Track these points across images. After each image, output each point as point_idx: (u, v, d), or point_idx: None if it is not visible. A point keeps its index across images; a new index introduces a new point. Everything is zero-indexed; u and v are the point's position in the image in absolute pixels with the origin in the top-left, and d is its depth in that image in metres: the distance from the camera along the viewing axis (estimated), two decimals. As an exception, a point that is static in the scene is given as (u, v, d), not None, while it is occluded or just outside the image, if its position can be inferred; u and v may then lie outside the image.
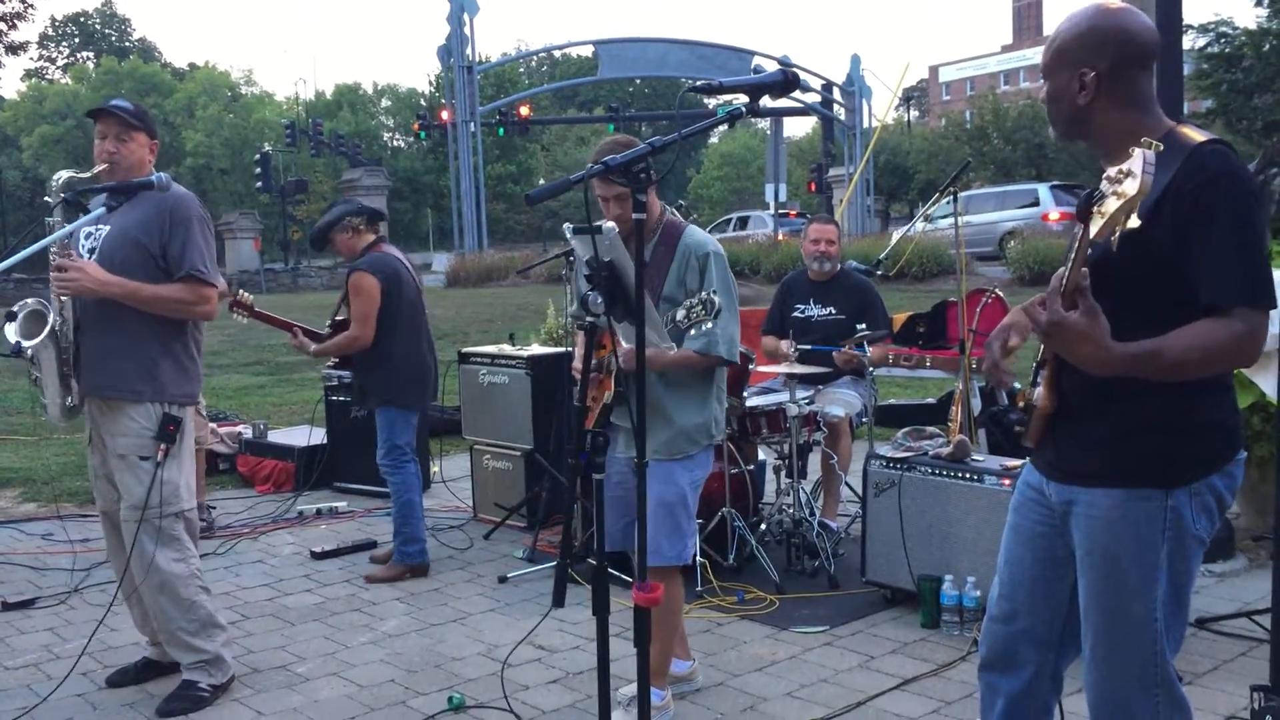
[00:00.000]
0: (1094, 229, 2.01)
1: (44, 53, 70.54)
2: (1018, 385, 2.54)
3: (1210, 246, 2.14)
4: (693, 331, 3.34)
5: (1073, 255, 2.10)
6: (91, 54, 69.05)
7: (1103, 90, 2.30)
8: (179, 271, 3.91)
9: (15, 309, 3.88)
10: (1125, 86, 2.31)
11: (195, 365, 4.09)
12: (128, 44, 71.34)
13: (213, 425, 7.32)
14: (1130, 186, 1.94)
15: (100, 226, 3.91)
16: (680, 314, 3.30)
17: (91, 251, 3.86)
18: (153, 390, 3.90)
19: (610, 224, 2.43)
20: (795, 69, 2.57)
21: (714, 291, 3.25)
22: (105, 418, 3.93)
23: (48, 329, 3.80)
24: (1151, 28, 2.35)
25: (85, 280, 3.74)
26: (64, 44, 72.17)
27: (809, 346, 5.54)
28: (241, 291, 5.30)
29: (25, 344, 3.80)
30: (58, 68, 70.51)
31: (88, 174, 3.92)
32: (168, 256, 3.90)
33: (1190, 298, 2.17)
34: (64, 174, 3.96)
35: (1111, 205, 1.97)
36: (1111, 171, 2.00)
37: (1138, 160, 1.95)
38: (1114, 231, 1.99)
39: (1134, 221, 1.97)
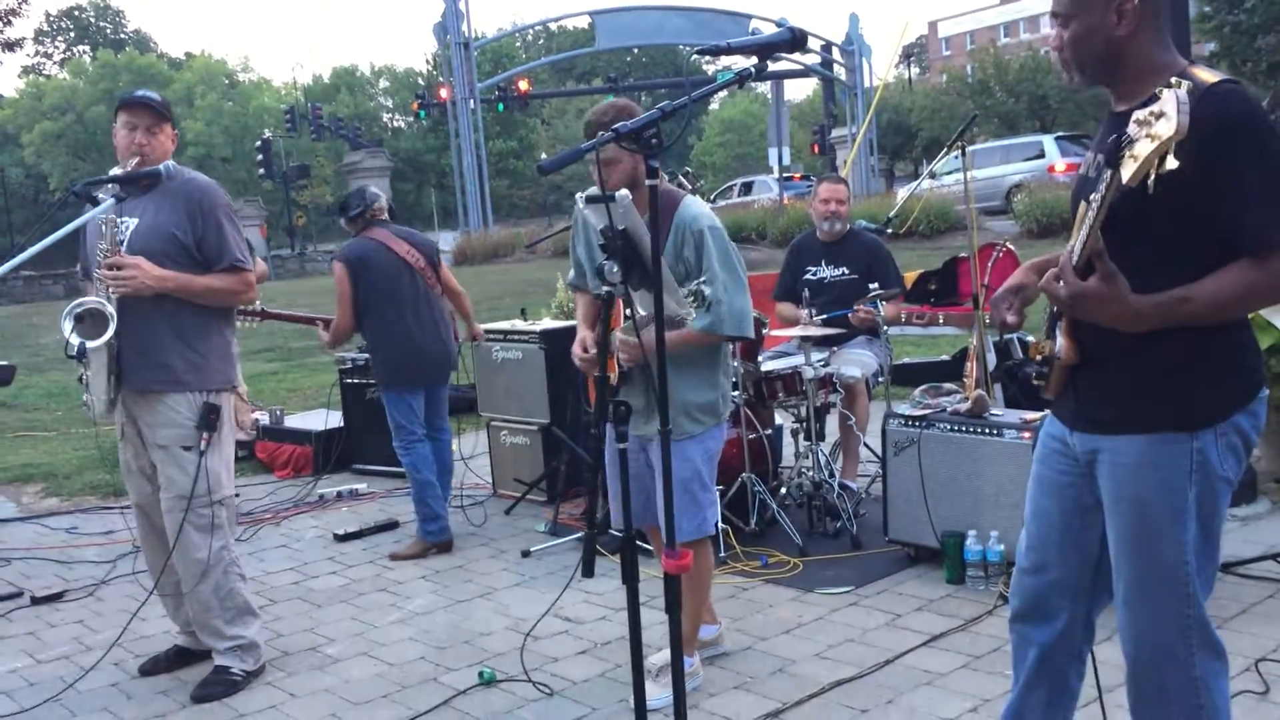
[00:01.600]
0: (1126, 173, 1.96)
1: (40, 48, 70.41)
2: (1031, 337, 2.52)
3: (1245, 190, 2.11)
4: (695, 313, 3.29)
5: (1093, 211, 2.07)
6: (87, 48, 68.86)
7: (1142, 21, 2.25)
8: (219, 262, 3.93)
9: (77, 311, 3.80)
10: (1156, 16, 2.27)
11: (231, 347, 4.13)
12: (123, 36, 71.16)
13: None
14: (1165, 128, 1.89)
15: (125, 220, 3.88)
16: (670, 306, 3.23)
17: (121, 244, 3.83)
18: (197, 380, 3.92)
19: (625, 192, 2.42)
20: (797, 28, 2.54)
21: (703, 283, 3.17)
22: (144, 410, 3.92)
23: (111, 330, 3.75)
24: None
25: (143, 278, 3.74)
26: (59, 39, 72.00)
27: (823, 316, 5.51)
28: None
29: (90, 345, 3.75)
30: (54, 63, 70.41)
31: (129, 168, 3.88)
32: (203, 248, 3.91)
33: (1214, 240, 2.15)
34: (115, 170, 3.94)
35: (1144, 148, 1.92)
36: (1141, 114, 1.95)
37: (1170, 101, 1.90)
38: (1148, 174, 1.94)
39: (1171, 163, 1.91)
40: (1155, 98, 1.95)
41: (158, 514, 4.04)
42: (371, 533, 5.87)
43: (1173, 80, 1.98)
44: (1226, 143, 2.10)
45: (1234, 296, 2.15)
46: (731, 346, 5.06)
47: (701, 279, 3.33)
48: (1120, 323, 2.17)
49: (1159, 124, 1.91)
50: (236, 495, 6.47)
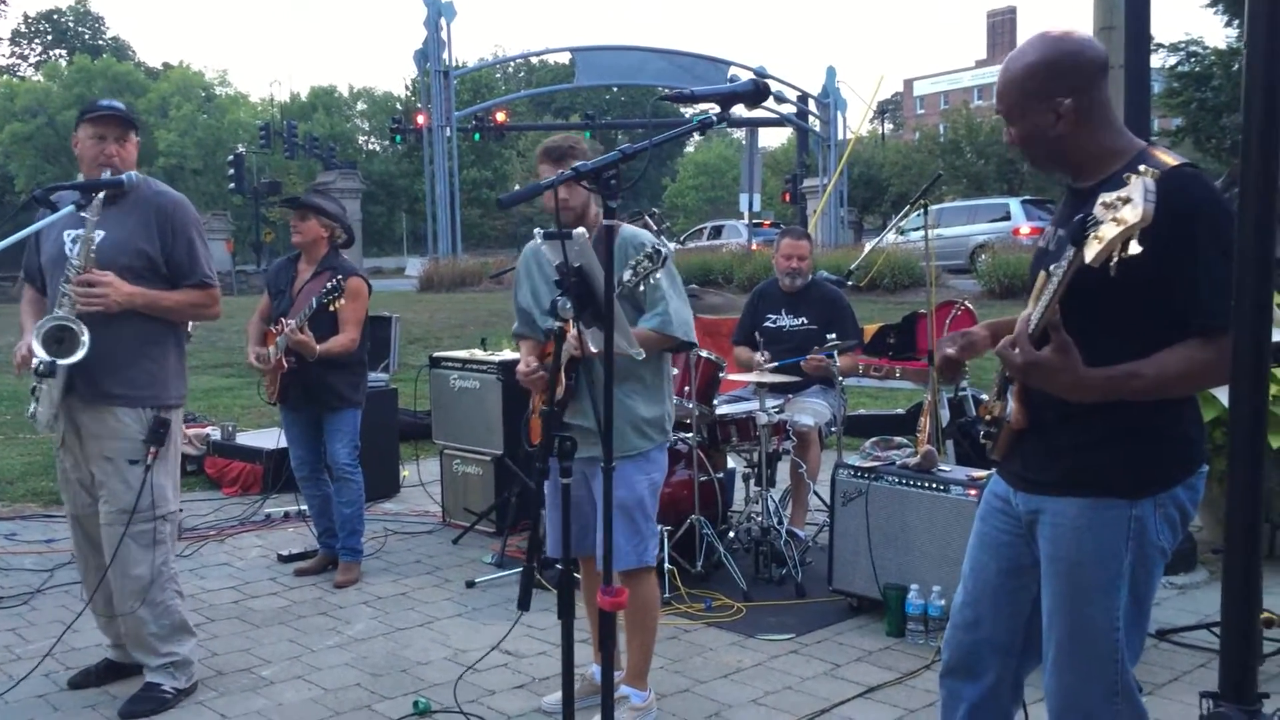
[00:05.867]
0: (1089, 254, 2.00)
1: (16, 50, 69.72)
2: (984, 396, 2.57)
3: (1197, 272, 2.18)
4: (647, 311, 3.43)
5: (1053, 284, 2.12)
6: (64, 52, 68.36)
7: (1080, 117, 2.33)
8: (188, 278, 3.92)
9: (47, 328, 3.73)
10: (1097, 107, 2.35)
11: (184, 364, 4.09)
12: (101, 42, 70.61)
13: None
14: (1130, 214, 1.94)
15: (95, 231, 3.80)
16: (627, 275, 3.19)
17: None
18: (152, 395, 3.88)
19: (581, 230, 2.45)
20: (770, 79, 2.59)
21: (656, 245, 3.22)
22: (90, 420, 3.86)
23: (84, 350, 3.69)
24: (1096, 42, 2.39)
25: (114, 296, 3.71)
26: (36, 41, 71.35)
27: (778, 363, 5.56)
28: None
29: (61, 363, 3.69)
30: (30, 65, 69.80)
31: (103, 178, 3.80)
32: (171, 264, 3.90)
33: (1165, 318, 2.22)
34: (80, 179, 3.89)
35: (1110, 231, 1.97)
36: (1108, 197, 2.00)
37: (1137, 188, 1.96)
38: (1110, 257, 1.99)
39: (1135, 248, 1.96)
40: (1123, 181, 2.01)
41: (94, 526, 3.98)
42: (316, 555, 5.81)
43: (1142, 167, 2.04)
44: (1184, 226, 2.17)
45: (1181, 375, 2.21)
46: (683, 378, 5.09)
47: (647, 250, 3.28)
48: (1069, 393, 2.22)
49: (1125, 209, 1.96)
50: (180, 510, 6.43)
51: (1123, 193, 1.98)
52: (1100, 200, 2.02)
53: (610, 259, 2.25)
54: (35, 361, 3.70)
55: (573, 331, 3.19)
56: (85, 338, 3.71)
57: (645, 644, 3.77)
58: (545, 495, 3.49)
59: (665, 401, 3.76)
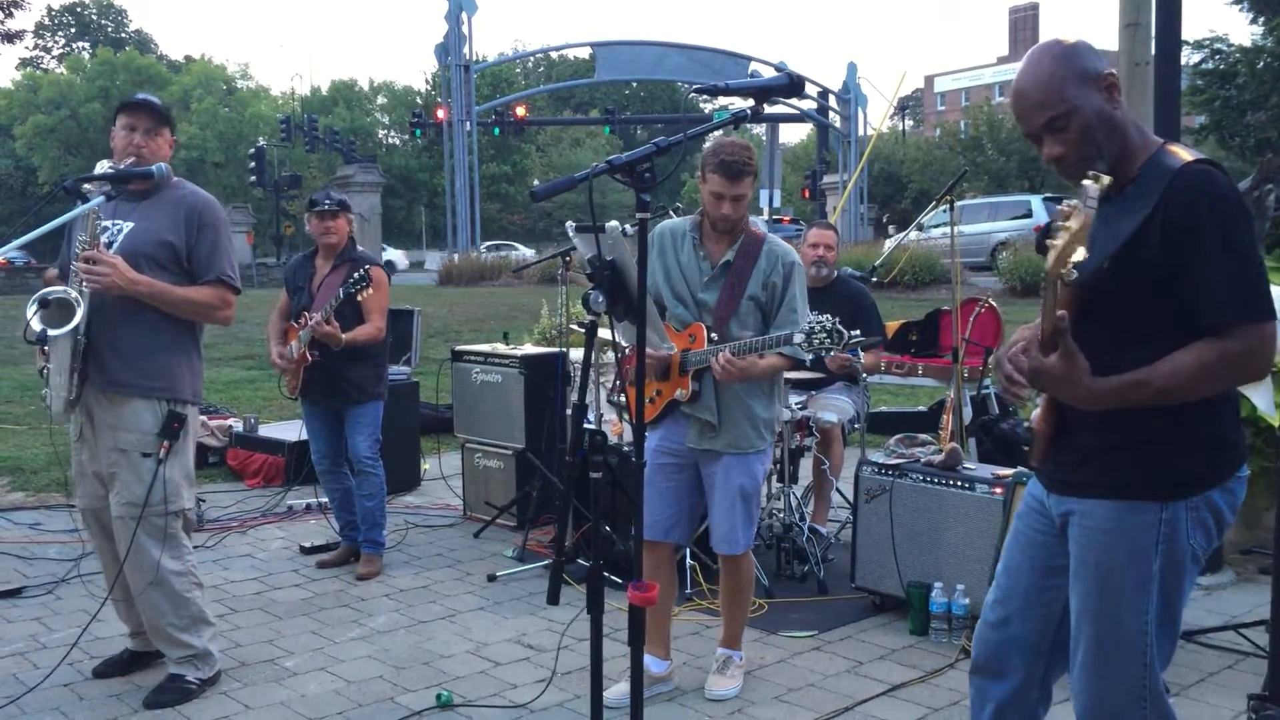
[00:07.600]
0: (1048, 261, 2.06)
1: (39, 42, 70.09)
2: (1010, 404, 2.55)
3: (1203, 269, 2.15)
4: (774, 322, 3.80)
5: (1046, 294, 2.12)
6: (87, 44, 68.74)
7: (1119, 92, 2.30)
8: (206, 275, 3.91)
9: (47, 296, 3.75)
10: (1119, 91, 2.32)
11: (201, 364, 4.08)
12: (124, 35, 71.04)
13: (202, 419, 7.30)
14: (1075, 221, 2.00)
15: (120, 223, 3.85)
16: (799, 338, 3.59)
17: (109, 245, 3.79)
18: (165, 387, 3.87)
19: (614, 222, 2.44)
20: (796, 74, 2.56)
21: (838, 321, 3.58)
22: (106, 410, 3.86)
23: (76, 320, 3.70)
24: None
25: (115, 277, 3.69)
26: (60, 34, 71.79)
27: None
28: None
29: (51, 333, 3.68)
30: (53, 57, 70.17)
31: (121, 166, 3.84)
32: (193, 259, 3.90)
33: (1185, 316, 2.19)
34: (102, 164, 3.90)
35: (1061, 239, 2.02)
36: (1064, 206, 2.05)
37: (1083, 193, 2.01)
38: (1065, 264, 2.02)
39: (1080, 254, 2.00)
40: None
41: (108, 518, 3.96)
42: (338, 547, 5.83)
43: (1090, 173, 2.04)
44: (1190, 223, 2.15)
45: (1193, 377, 2.16)
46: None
47: (795, 297, 3.85)
48: (1076, 402, 2.20)
49: (1072, 218, 2.01)
50: (202, 500, 6.47)
51: (1075, 200, 2.03)
52: (1059, 208, 2.07)
53: (643, 256, 2.24)
54: (25, 329, 3.70)
55: (723, 358, 3.55)
56: (81, 306, 3.69)
57: (745, 613, 4.13)
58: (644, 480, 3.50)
59: (777, 404, 4.06)
